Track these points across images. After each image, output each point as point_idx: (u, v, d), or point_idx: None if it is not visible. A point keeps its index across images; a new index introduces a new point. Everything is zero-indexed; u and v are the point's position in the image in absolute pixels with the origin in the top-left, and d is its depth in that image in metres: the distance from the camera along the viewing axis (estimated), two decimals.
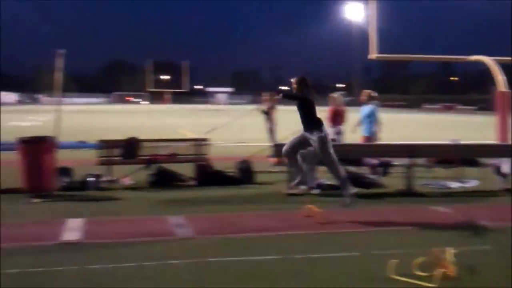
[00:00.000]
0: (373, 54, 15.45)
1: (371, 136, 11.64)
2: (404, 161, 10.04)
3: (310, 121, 7.72)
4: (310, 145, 7.76)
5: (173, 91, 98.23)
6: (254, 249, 6.02)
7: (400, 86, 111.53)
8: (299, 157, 7.99)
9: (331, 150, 7.70)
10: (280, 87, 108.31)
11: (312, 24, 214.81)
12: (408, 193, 9.50)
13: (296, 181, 8.17)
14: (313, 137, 7.63)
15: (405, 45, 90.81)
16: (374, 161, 10.50)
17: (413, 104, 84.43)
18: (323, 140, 7.61)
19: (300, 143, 7.89)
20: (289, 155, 7.98)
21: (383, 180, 10.17)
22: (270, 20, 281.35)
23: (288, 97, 8.33)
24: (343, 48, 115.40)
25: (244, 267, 5.36)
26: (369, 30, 15.60)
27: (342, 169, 7.91)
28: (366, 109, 11.85)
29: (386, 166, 10.67)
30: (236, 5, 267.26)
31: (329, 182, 9.58)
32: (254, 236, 6.62)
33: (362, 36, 65.06)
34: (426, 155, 10.72)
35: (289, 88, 8.75)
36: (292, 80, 8.03)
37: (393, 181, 10.10)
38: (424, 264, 5.16)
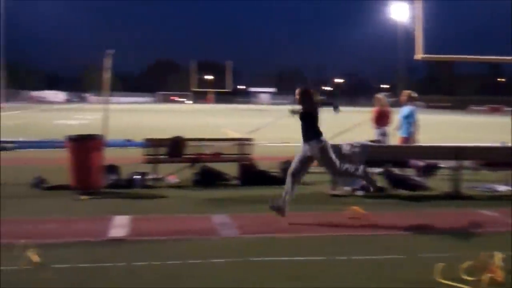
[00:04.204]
0: (419, 55, 15.22)
1: (409, 137, 11.45)
2: (451, 163, 9.88)
3: (311, 133, 7.53)
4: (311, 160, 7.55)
5: (217, 91, 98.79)
6: (298, 250, 6.03)
7: (446, 87, 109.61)
8: (347, 165, 7.68)
9: (332, 156, 7.44)
10: (323, 87, 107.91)
11: (357, 24, 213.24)
12: (455, 196, 9.35)
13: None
14: (313, 149, 7.39)
15: (452, 45, 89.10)
16: (420, 163, 10.35)
17: (459, 105, 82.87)
18: (323, 149, 7.43)
19: (303, 163, 7.62)
20: (294, 177, 7.58)
21: (429, 182, 10.02)
22: (315, 19, 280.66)
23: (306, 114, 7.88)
24: (388, 48, 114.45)
25: (288, 268, 5.37)
26: (415, 30, 15.39)
27: (340, 165, 7.51)
28: (405, 110, 11.67)
29: (432, 168, 10.52)
30: (281, 4, 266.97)
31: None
32: (298, 236, 6.63)
33: (407, 36, 64.14)
34: (473, 157, 10.50)
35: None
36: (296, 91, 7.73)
37: (439, 184, 9.95)
38: (471, 269, 5.08)
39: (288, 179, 7.50)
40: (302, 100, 7.61)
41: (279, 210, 7.31)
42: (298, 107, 7.52)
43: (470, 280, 4.90)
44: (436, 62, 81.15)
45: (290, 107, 13.65)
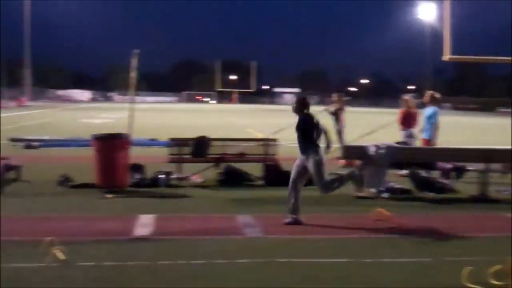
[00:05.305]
0: (447, 55, 15.05)
1: (429, 140, 11.28)
2: (478, 166, 9.72)
3: (307, 144, 7.47)
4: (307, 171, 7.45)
5: (241, 91, 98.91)
6: (322, 251, 6.00)
7: (474, 88, 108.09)
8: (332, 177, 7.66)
9: (325, 170, 7.35)
10: (348, 88, 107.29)
11: (383, 24, 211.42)
12: (482, 199, 9.20)
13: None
14: (309, 161, 7.33)
15: (480, 46, 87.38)
16: (448, 165, 10.22)
17: (487, 107, 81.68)
18: (318, 163, 7.33)
19: (301, 173, 7.56)
20: (295, 187, 7.50)
21: (456, 185, 9.89)
22: (339, 19, 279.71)
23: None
24: (415, 49, 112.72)
25: (313, 269, 5.34)
26: (443, 31, 15.21)
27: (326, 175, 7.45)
28: (428, 111, 11.48)
29: (459, 170, 10.37)
30: (306, 4, 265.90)
31: (399, 186, 9.43)
32: (322, 238, 6.59)
33: (434, 36, 63.57)
34: (501, 160, 10.32)
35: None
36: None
37: (466, 186, 9.82)
38: (499, 273, 4.98)
39: (291, 185, 7.43)
40: (300, 108, 7.57)
41: (297, 221, 7.23)
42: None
43: (498, 284, 4.82)
44: (464, 63, 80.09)
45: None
